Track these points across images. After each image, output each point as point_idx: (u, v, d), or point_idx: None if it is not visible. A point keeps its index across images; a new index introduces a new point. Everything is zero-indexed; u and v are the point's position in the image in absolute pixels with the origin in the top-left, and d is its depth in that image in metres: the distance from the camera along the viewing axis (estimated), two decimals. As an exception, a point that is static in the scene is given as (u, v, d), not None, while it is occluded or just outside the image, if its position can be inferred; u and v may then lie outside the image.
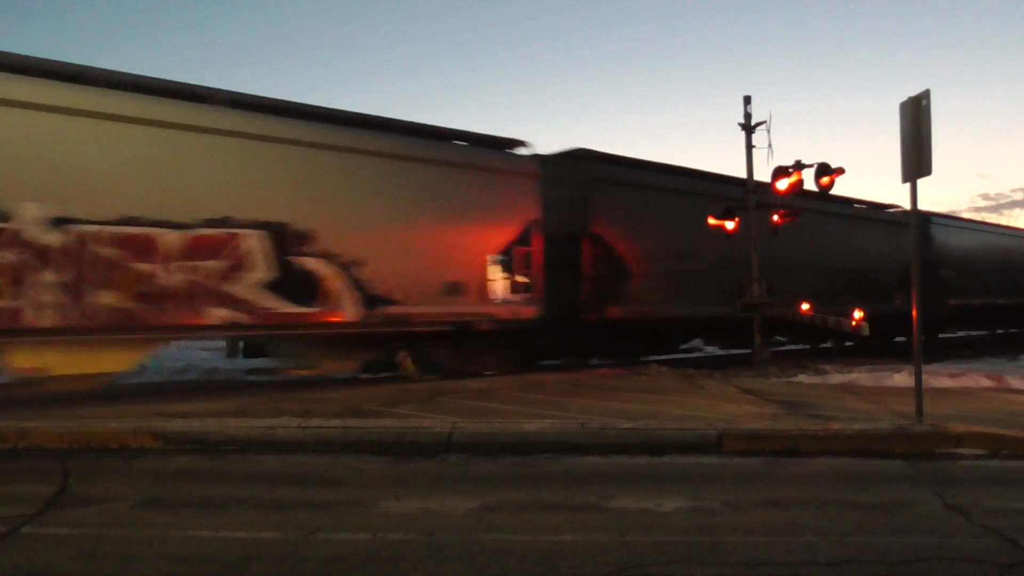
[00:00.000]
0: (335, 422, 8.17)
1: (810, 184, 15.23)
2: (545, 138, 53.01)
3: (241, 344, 17.15)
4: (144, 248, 10.44)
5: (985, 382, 12.78)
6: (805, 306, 16.94)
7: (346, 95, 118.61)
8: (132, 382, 13.46)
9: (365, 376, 13.77)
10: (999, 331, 31.56)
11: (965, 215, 33.82)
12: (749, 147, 16.58)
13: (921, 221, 24.98)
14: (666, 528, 4.88)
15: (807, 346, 22.53)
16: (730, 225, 16.23)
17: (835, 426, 7.90)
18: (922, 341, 8.35)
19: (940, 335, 25.73)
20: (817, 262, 20.78)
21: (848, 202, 23.39)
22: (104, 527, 4.87)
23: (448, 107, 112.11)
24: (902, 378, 12.25)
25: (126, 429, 7.62)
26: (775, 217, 16.62)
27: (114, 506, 5.40)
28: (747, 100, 16.55)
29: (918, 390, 8.17)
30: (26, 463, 6.85)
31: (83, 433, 7.56)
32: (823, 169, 14.93)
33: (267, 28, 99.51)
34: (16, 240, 9.60)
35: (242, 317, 11.20)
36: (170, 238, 10.63)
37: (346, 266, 12.16)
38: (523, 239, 14.50)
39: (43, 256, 9.74)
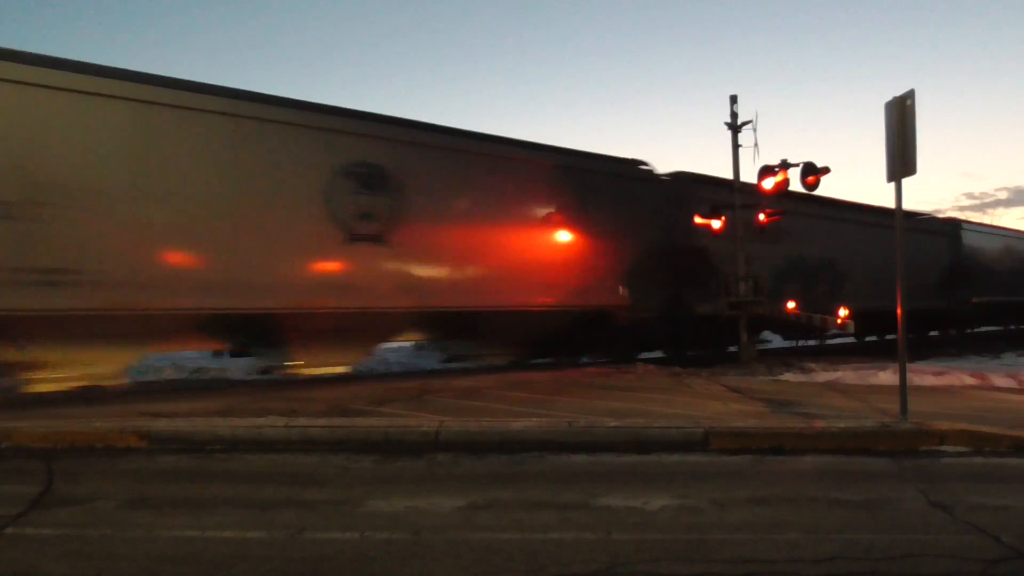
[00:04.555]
0: (322, 421, 8.14)
1: (798, 184, 15.33)
2: (537, 137, 52.88)
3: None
4: None
5: (968, 380, 12.92)
6: (791, 304, 17.10)
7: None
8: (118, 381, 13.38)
9: (353, 375, 13.74)
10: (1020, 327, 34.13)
11: (951, 214, 34.59)
12: (736, 146, 16.67)
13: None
14: (653, 526, 4.90)
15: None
16: (716, 224, 16.37)
17: (820, 424, 7.95)
18: (906, 338, 8.42)
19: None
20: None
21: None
22: (89, 527, 4.83)
23: (441, 104, 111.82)
24: (887, 376, 12.36)
25: (111, 429, 7.56)
26: (760, 217, 16.69)
27: (99, 506, 5.36)
28: (733, 99, 16.64)
29: (902, 388, 8.24)
30: (10, 463, 6.79)
31: (68, 433, 7.50)
32: (809, 168, 15.01)
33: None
34: None
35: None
36: None
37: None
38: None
39: None
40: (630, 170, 17.24)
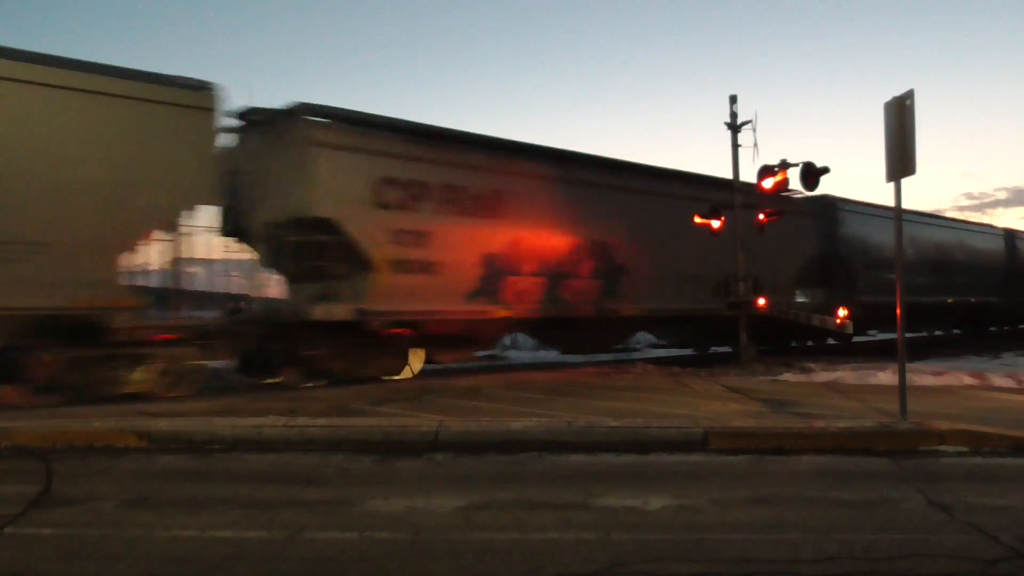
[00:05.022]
0: (321, 421, 8.14)
1: (796, 183, 15.33)
2: (536, 138, 52.83)
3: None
4: None
5: (967, 380, 12.90)
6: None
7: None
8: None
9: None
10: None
11: (951, 214, 32.46)
12: (735, 146, 16.67)
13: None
14: (652, 526, 4.90)
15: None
16: (715, 224, 16.31)
17: (820, 424, 7.95)
18: (905, 338, 8.41)
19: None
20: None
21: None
22: (88, 527, 4.83)
23: (439, 103, 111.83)
24: (886, 376, 12.35)
25: (110, 428, 7.57)
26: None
27: (98, 506, 5.36)
28: (733, 99, 16.64)
29: (902, 388, 8.23)
30: (9, 463, 6.79)
31: (67, 432, 7.50)
32: (808, 168, 15.02)
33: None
34: None
35: None
36: None
37: None
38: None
39: None
40: (148, 91, 10.59)
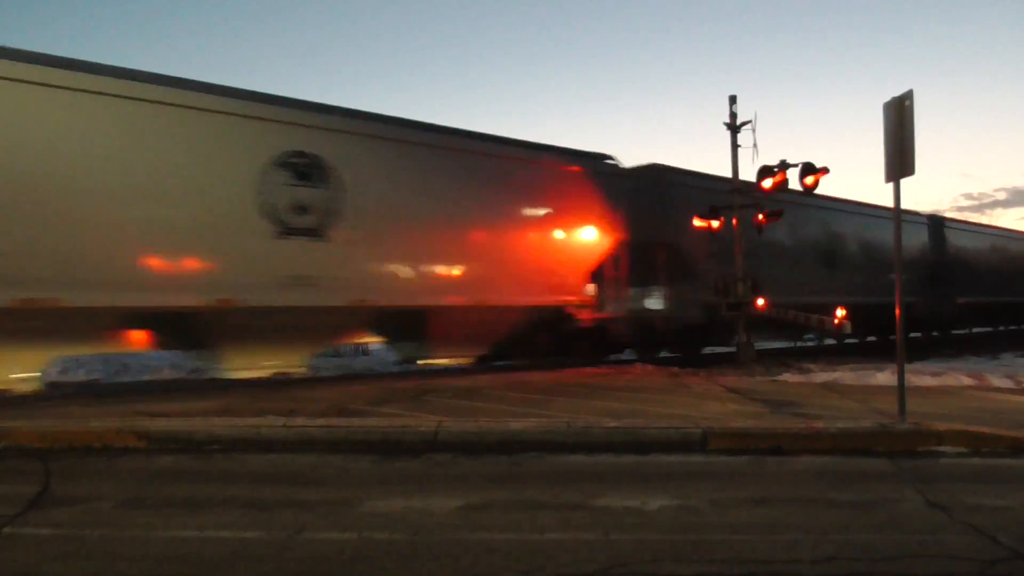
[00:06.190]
0: (320, 421, 8.14)
1: (795, 184, 15.33)
2: (536, 137, 52.73)
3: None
4: None
5: (966, 380, 12.91)
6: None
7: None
8: (116, 381, 13.39)
9: (352, 375, 13.73)
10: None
11: (950, 214, 33.40)
12: (735, 146, 16.65)
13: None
14: (651, 526, 4.90)
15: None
16: (715, 224, 16.32)
17: (819, 424, 7.95)
18: (905, 340, 8.42)
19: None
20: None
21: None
22: (87, 527, 4.83)
23: (439, 104, 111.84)
24: (885, 377, 12.35)
25: (109, 428, 7.55)
26: (760, 216, 16.63)
27: (97, 506, 5.35)
28: (732, 100, 16.61)
29: (900, 389, 8.24)
30: (7, 463, 6.77)
31: (65, 433, 7.49)
32: (807, 168, 15.02)
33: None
34: None
35: None
36: None
37: None
38: None
39: None
40: None
